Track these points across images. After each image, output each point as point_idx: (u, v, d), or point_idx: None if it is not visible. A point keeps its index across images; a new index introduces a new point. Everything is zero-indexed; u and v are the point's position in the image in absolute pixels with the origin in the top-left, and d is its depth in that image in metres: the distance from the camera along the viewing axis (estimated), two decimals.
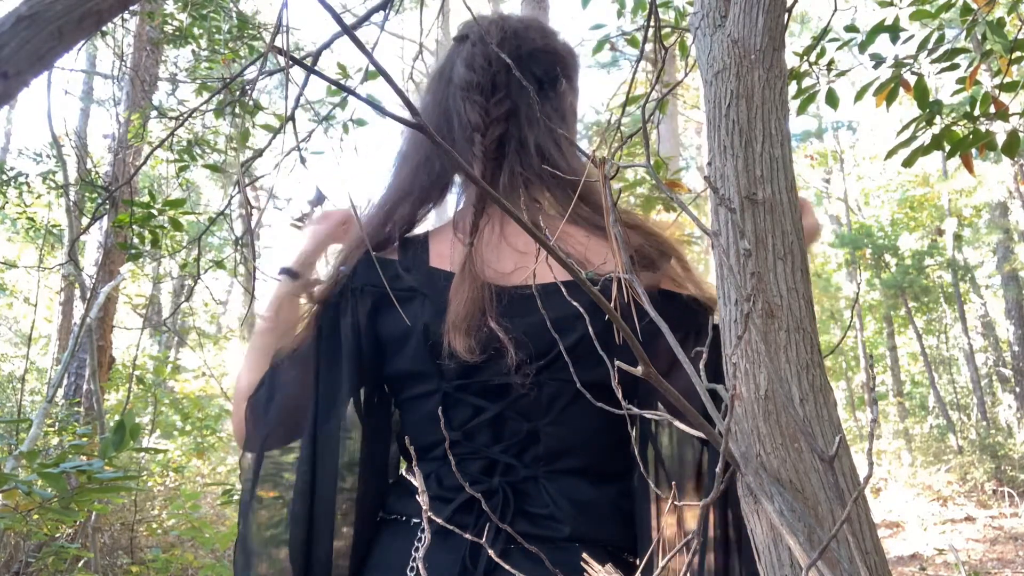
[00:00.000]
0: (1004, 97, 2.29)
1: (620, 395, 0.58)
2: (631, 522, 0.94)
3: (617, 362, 0.55)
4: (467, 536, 0.71)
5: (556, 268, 0.91)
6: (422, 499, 0.57)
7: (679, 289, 1.00)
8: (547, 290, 0.90)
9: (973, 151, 2.29)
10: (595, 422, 0.92)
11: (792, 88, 2.55)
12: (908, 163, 2.32)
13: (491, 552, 0.63)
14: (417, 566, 0.88)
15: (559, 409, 0.93)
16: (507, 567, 0.62)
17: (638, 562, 0.92)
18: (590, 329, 0.68)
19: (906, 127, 2.29)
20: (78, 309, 6.80)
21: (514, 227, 1.00)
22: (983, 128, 2.23)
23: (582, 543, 0.88)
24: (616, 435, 0.95)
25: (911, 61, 2.35)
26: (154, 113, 5.38)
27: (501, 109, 1.01)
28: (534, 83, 1.02)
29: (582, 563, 0.60)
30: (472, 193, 1.03)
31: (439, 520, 0.65)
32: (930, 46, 2.34)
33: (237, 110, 3.24)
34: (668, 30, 2.42)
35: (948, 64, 2.33)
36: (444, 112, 1.05)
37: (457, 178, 1.07)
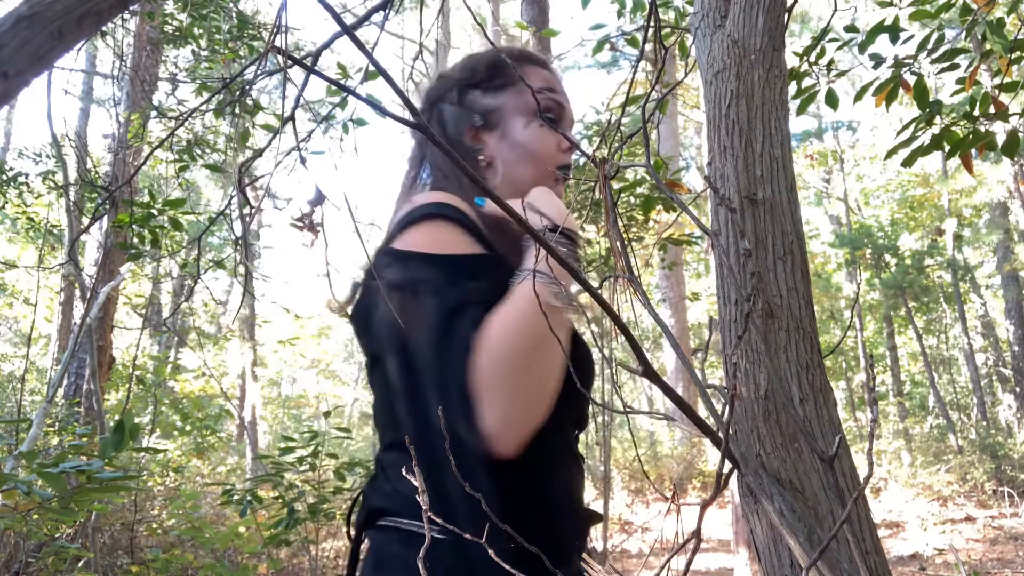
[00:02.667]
0: (1004, 97, 2.29)
1: (620, 396, 0.58)
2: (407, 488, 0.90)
3: (617, 362, 0.55)
4: (469, 537, 0.70)
5: None
6: (422, 499, 0.57)
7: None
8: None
9: (973, 151, 2.29)
10: (385, 393, 0.88)
11: (792, 88, 2.55)
12: (908, 163, 2.33)
13: (492, 554, 0.63)
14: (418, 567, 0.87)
15: (371, 381, 0.93)
16: (509, 567, 0.62)
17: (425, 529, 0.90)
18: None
19: (906, 127, 2.29)
20: (78, 309, 6.80)
21: None
22: (983, 128, 2.23)
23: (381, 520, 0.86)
24: (404, 405, 0.87)
25: (911, 61, 2.35)
26: (154, 113, 5.38)
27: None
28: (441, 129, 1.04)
29: (582, 563, 0.60)
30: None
31: (440, 521, 0.65)
32: (930, 46, 2.34)
33: (237, 110, 3.24)
34: (668, 30, 2.42)
35: (948, 64, 2.33)
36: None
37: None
